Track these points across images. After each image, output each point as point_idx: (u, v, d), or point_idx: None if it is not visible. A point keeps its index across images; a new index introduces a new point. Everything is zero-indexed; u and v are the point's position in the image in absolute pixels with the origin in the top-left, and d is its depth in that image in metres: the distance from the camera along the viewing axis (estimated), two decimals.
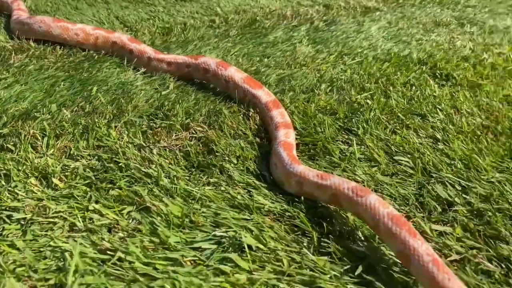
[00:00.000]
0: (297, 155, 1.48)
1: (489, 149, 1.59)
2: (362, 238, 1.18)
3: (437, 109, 1.83)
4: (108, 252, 1.07)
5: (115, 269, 1.03)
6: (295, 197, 1.29)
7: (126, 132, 1.52)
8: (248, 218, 1.20)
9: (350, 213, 1.22)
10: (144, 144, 1.47)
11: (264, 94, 1.70)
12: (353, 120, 1.71)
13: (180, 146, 1.49)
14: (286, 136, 1.48)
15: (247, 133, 1.59)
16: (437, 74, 2.18)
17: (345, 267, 1.07)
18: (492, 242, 1.18)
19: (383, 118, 1.74)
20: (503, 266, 1.12)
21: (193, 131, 1.58)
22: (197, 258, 1.07)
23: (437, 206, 1.31)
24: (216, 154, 1.44)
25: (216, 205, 1.23)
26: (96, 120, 1.57)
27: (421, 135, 1.66)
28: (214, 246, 1.11)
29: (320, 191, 1.24)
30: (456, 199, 1.33)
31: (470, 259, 1.12)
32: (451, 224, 1.25)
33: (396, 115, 1.77)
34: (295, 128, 1.65)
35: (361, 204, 1.14)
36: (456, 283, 0.93)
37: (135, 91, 1.80)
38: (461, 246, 1.16)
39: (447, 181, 1.40)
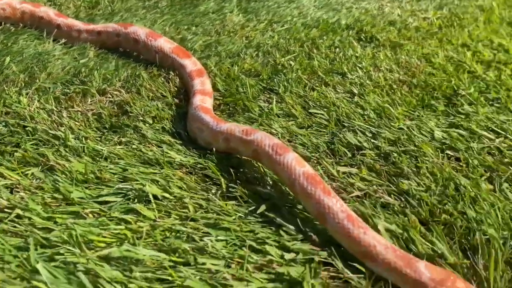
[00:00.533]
0: (217, 115, 1.49)
1: (402, 100, 1.65)
2: (270, 183, 1.20)
3: (357, 67, 1.88)
4: (6, 210, 1.04)
5: (13, 226, 1.00)
6: (208, 150, 1.29)
7: (37, 98, 1.47)
8: (158, 172, 1.20)
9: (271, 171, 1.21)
10: (55, 109, 1.43)
11: (191, 64, 1.68)
12: (275, 80, 1.73)
13: (94, 110, 1.46)
14: (202, 102, 1.46)
15: (166, 95, 1.58)
16: (362, 37, 2.23)
17: (250, 208, 1.09)
18: (395, 179, 1.24)
19: (304, 78, 1.77)
20: (402, 199, 1.17)
21: (110, 95, 1.54)
22: (100, 211, 1.06)
23: (347, 151, 1.35)
24: (130, 114, 1.42)
25: (125, 162, 1.22)
26: (6, 88, 1.51)
27: (339, 90, 1.70)
28: (119, 199, 1.10)
29: (244, 147, 1.23)
30: (365, 144, 1.38)
31: (371, 195, 1.17)
32: (358, 167, 1.29)
33: (317, 74, 1.80)
34: (217, 90, 1.65)
35: (278, 163, 1.13)
36: (370, 234, 0.96)
37: (51, 60, 1.73)
38: (365, 184, 1.21)
39: (358, 129, 1.45)
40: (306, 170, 1.09)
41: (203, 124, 1.33)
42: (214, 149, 1.28)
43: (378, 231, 1.02)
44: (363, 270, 0.92)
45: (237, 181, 1.17)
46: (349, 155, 1.34)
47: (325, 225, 1.03)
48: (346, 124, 1.47)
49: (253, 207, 1.09)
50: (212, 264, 0.93)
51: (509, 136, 1.47)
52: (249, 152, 1.23)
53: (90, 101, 1.51)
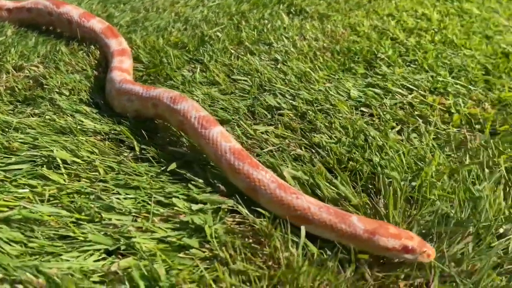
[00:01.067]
0: None
1: (324, 65, 1.70)
2: (184, 143, 1.21)
3: (283, 37, 1.91)
4: None
5: None
6: (123, 117, 1.28)
7: None
8: (70, 139, 1.18)
9: (196, 145, 1.17)
10: None
11: (116, 43, 1.64)
12: (201, 50, 1.73)
13: (7, 84, 1.41)
14: (124, 76, 1.43)
15: (86, 68, 1.54)
16: (292, 10, 2.27)
17: (162, 168, 1.09)
18: (308, 135, 1.28)
19: (230, 48, 1.78)
20: (313, 151, 1.21)
21: (27, 71, 1.49)
22: (4, 177, 1.03)
23: (266, 113, 1.38)
24: (46, 87, 1.39)
25: (37, 131, 1.19)
26: None
27: (263, 58, 1.72)
28: (27, 166, 1.07)
29: (170, 116, 1.19)
30: (284, 105, 1.41)
31: (284, 149, 1.20)
32: (276, 126, 1.32)
33: (244, 44, 1.82)
34: (140, 62, 1.63)
35: (204, 137, 1.09)
36: (303, 198, 0.97)
37: None
38: (279, 140, 1.24)
39: (278, 92, 1.48)
40: (233, 145, 1.06)
41: (132, 94, 1.28)
42: (129, 114, 1.27)
43: (283, 177, 1.06)
44: (266, 214, 0.95)
45: (151, 143, 1.17)
46: (269, 116, 1.37)
47: (256, 198, 1.00)
48: (267, 88, 1.50)
49: (165, 167, 1.09)
50: (118, 220, 0.93)
51: (421, 92, 1.55)
52: (175, 123, 1.19)
53: (5, 78, 1.45)
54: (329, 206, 0.98)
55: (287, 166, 1.10)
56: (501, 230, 0.98)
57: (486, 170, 1.17)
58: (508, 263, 0.90)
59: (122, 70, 1.44)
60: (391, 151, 1.21)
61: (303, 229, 0.91)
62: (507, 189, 1.13)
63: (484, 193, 1.06)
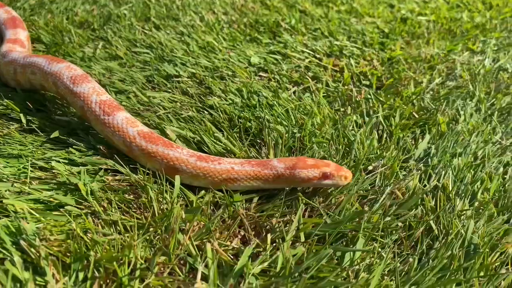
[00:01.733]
0: None
1: (229, 36, 1.73)
2: (72, 112, 1.20)
3: (192, 12, 1.92)
4: None
5: None
6: (14, 89, 1.25)
7: None
8: None
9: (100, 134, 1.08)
10: None
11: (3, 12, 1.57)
12: (105, 28, 1.72)
13: None
14: (21, 50, 1.39)
15: None
16: None
17: (48, 137, 1.09)
18: (203, 98, 1.31)
19: (137, 24, 1.77)
20: (206, 112, 1.24)
21: None
22: None
23: (165, 82, 1.39)
24: None
25: None
26: None
27: (169, 32, 1.73)
28: None
29: (71, 98, 1.11)
30: (183, 73, 1.43)
31: (177, 112, 1.23)
32: (173, 92, 1.34)
33: (151, 21, 1.82)
34: (42, 43, 1.59)
35: (108, 125, 1.02)
36: (224, 161, 0.98)
37: None
38: (173, 105, 1.26)
39: (179, 61, 1.49)
40: (141, 129, 1.02)
41: (35, 67, 1.18)
42: (18, 88, 1.24)
43: (167, 135, 1.08)
44: (147, 171, 0.97)
45: (38, 115, 1.16)
46: (168, 85, 1.38)
47: (177, 175, 0.98)
48: (168, 59, 1.51)
49: (50, 136, 1.08)
50: None
51: (318, 56, 1.62)
52: (77, 108, 1.11)
53: None
54: (249, 159, 1.01)
55: (173, 126, 1.12)
56: (370, 168, 1.05)
57: (366, 118, 1.25)
58: (372, 194, 0.98)
59: (16, 42, 1.38)
60: (280, 108, 1.26)
61: (177, 178, 0.94)
62: (383, 133, 1.21)
63: (358, 138, 1.13)
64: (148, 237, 0.83)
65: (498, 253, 0.87)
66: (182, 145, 1.07)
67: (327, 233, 0.87)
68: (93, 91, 1.08)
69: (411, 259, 0.82)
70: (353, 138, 1.13)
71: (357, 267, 0.82)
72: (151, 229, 0.84)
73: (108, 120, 1.02)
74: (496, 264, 0.85)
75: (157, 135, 1.02)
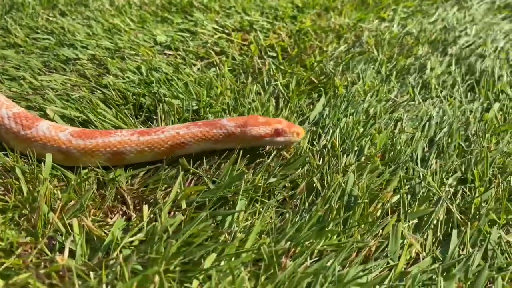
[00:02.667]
0: None
1: (139, 18, 1.67)
2: None
3: None
4: None
5: None
6: None
7: None
8: None
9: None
10: None
11: None
12: (6, 17, 1.61)
13: None
14: None
15: None
16: None
17: None
18: (99, 78, 1.25)
19: (41, 12, 1.67)
20: (99, 92, 1.19)
21: None
22: None
23: (62, 65, 1.32)
24: None
25: None
26: None
27: (74, 18, 1.64)
28: None
29: None
30: (82, 56, 1.36)
31: (68, 93, 1.16)
32: (68, 75, 1.27)
33: (58, 8, 1.73)
34: None
35: (34, 139, 0.90)
36: (169, 128, 0.94)
37: None
38: (63, 86, 1.20)
39: (79, 45, 1.42)
40: (71, 130, 0.92)
41: None
42: None
43: (47, 116, 1.02)
44: (9, 151, 0.91)
45: None
46: (67, 69, 1.31)
47: (125, 159, 0.92)
48: (68, 43, 1.43)
49: None
50: None
51: (227, 31, 1.59)
52: None
53: None
54: (196, 121, 0.98)
55: (56, 106, 1.06)
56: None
57: (266, 87, 1.23)
58: (260, 157, 0.96)
59: None
60: (179, 83, 1.22)
61: (48, 156, 0.88)
62: (284, 100, 1.19)
63: (253, 104, 1.11)
64: (13, 218, 0.77)
65: (380, 204, 0.87)
66: (67, 123, 1.01)
67: (207, 199, 0.84)
68: (0, 104, 0.94)
69: (287, 215, 0.81)
70: (249, 106, 1.10)
71: (236, 229, 0.80)
72: (17, 210, 0.78)
73: (32, 134, 0.89)
74: (377, 213, 0.85)
75: (89, 130, 0.94)
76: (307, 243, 0.77)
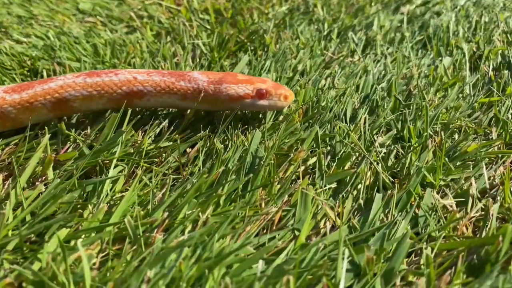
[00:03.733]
0: None
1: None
2: None
3: None
4: None
5: None
6: None
7: None
8: None
9: None
10: None
11: None
12: None
13: None
14: None
15: None
16: None
17: None
18: None
19: None
20: None
21: None
22: None
23: None
24: None
25: None
26: None
27: None
28: None
29: None
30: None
31: None
32: None
33: None
34: None
35: None
36: (125, 71, 0.77)
37: None
38: None
39: None
40: (3, 87, 0.75)
41: None
42: None
43: None
44: None
45: None
46: None
47: (71, 109, 0.75)
48: None
49: None
50: None
51: None
52: None
53: None
54: (161, 70, 0.80)
55: None
56: None
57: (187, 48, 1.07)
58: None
59: None
60: (87, 46, 1.05)
61: None
62: (207, 61, 1.03)
63: (168, 65, 0.94)
64: None
65: (292, 166, 0.71)
66: None
67: (75, 167, 0.67)
68: None
69: (167, 181, 0.65)
70: (161, 67, 0.94)
71: (108, 198, 0.63)
72: None
73: None
74: (288, 177, 0.69)
75: (28, 82, 0.78)
76: (188, 213, 0.61)
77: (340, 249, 0.55)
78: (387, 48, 1.10)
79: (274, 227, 0.63)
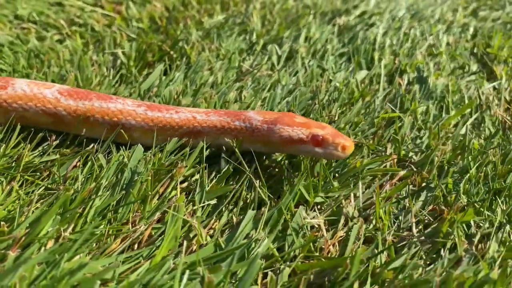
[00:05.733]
0: None
1: None
2: None
3: None
4: None
5: None
6: None
7: None
8: None
9: None
10: None
11: None
12: None
13: None
14: None
15: None
16: None
17: None
18: None
19: None
20: None
21: None
22: None
23: None
24: None
25: None
26: None
27: None
28: None
29: None
30: None
31: None
32: None
33: None
34: None
35: (8, 101, 0.73)
36: (185, 110, 0.77)
37: None
38: None
39: None
40: (58, 87, 0.76)
41: None
42: None
43: None
44: None
45: None
46: None
47: (127, 135, 0.74)
48: None
49: None
50: None
51: (100, 4, 1.40)
52: None
53: None
54: (218, 109, 0.77)
55: None
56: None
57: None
58: None
59: None
60: (10, 53, 1.03)
61: None
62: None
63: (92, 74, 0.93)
64: None
65: (174, 182, 0.69)
66: None
67: None
68: None
69: (34, 196, 0.63)
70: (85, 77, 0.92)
71: None
72: None
73: (8, 94, 0.73)
74: (168, 194, 0.68)
75: (85, 90, 0.77)
76: (50, 229, 0.60)
77: (197, 269, 0.54)
78: (309, 61, 1.09)
79: (142, 245, 0.62)
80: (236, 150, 0.71)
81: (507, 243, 0.63)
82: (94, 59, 1.03)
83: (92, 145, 0.73)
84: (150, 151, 0.72)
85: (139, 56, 1.02)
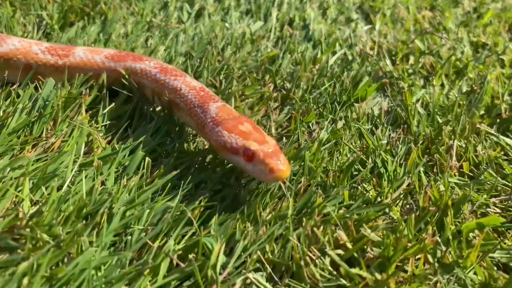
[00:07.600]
0: None
1: None
2: None
3: None
4: None
5: None
6: None
7: None
8: None
9: None
10: None
11: None
12: None
13: None
14: None
15: None
16: None
17: None
18: None
19: None
20: None
21: None
22: None
23: None
24: None
25: None
26: None
27: None
28: None
29: None
30: None
31: None
32: None
33: None
34: None
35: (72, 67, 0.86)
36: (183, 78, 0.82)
37: None
38: None
39: None
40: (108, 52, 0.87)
41: None
42: None
43: None
44: None
45: None
46: None
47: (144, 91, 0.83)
48: None
49: None
50: None
51: None
52: None
53: None
54: (205, 89, 0.78)
55: None
56: None
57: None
58: None
59: None
60: None
61: None
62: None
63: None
64: None
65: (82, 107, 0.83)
66: None
67: None
68: None
69: None
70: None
71: None
72: None
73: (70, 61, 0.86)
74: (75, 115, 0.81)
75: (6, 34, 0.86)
76: None
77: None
78: (215, 17, 1.23)
79: (55, 151, 0.76)
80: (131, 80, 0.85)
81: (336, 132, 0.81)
82: (21, 21, 1.13)
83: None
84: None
85: (62, 17, 1.14)
